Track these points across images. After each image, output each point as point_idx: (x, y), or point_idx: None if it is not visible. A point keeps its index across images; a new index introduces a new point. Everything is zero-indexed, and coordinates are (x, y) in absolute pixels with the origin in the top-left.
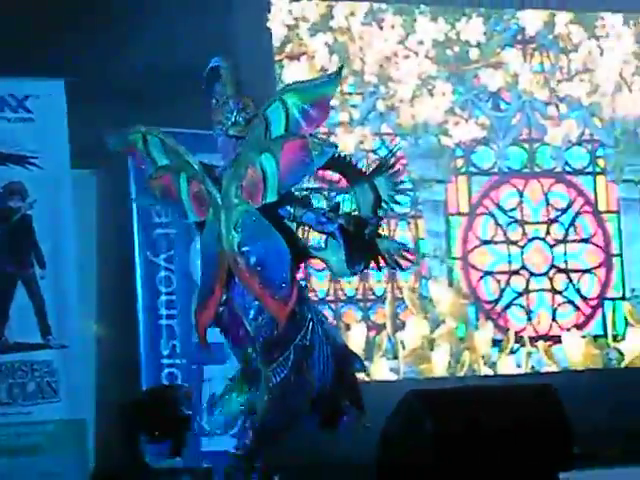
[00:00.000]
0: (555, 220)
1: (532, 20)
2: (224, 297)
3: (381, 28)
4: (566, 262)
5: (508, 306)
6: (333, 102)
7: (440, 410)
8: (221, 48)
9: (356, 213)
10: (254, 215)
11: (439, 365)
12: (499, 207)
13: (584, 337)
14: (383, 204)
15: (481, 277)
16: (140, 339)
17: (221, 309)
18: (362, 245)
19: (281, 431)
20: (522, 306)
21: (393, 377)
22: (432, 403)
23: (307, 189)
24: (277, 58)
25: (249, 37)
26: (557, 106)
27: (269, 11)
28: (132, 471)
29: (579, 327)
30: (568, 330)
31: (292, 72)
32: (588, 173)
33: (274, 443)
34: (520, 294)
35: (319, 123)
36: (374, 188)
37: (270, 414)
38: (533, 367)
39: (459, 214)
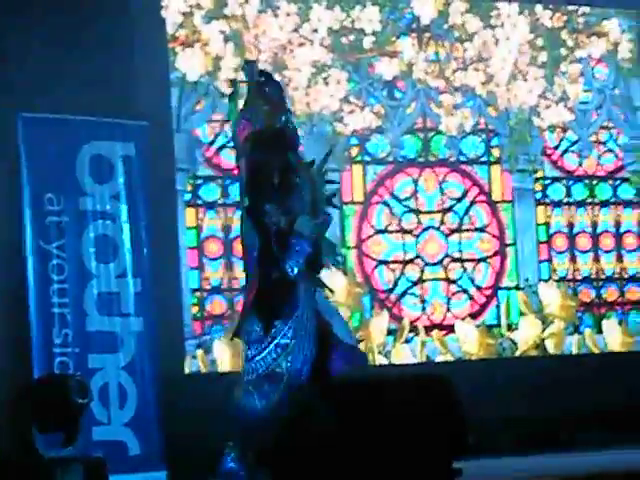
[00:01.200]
0: (450, 209)
1: (427, 9)
2: None
3: (276, 16)
4: (460, 251)
5: (403, 295)
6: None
7: (334, 400)
8: (115, 36)
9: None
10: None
11: None
12: (394, 196)
13: (478, 327)
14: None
15: (375, 266)
16: (32, 327)
17: None
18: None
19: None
20: (417, 295)
21: None
22: (326, 392)
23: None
24: (171, 45)
25: (143, 25)
26: (452, 95)
27: None
28: (23, 460)
29: (473, 316)
30: (462, 319)
31: (185, 59)
32: (483, 163)
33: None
34: (415, 283)
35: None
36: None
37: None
38: (428, 356)
39: (353, 203)
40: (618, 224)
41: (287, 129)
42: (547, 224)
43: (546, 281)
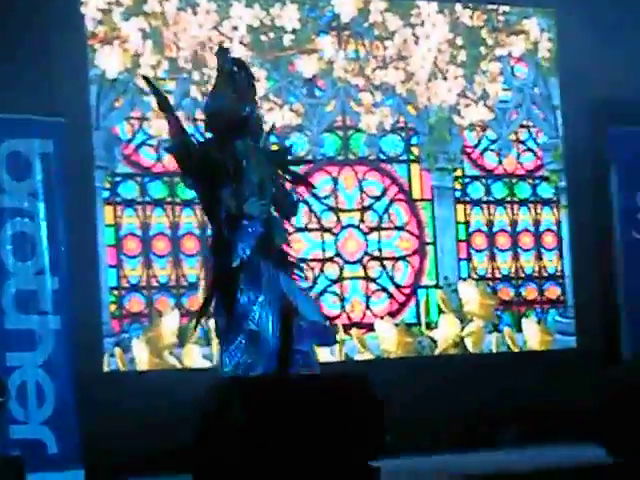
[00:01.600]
0: (369, 208)
1: (347, 7)
2: None
3: (195, 13)
4: (380, 250)
5: (322, 293)
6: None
7: (253, 397)
8: (33, 33)
9: None
10: None
11: None
12: (313, 194)
13: (397, 325)
14: None
15: None
16: None
17: None
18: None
19: None
20: (336, 293)
21: (206, 364)
22: (245, 390)
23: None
24: (90, 42)
25: (62, 21)
26: (372, 93)
27: None
28: None
29: (393, 315)
30: (382, 318)
31: (104, 57)
32: (402, 161)
33: None
34: (334, 281)
35: None
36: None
37: None
38: (347, 355)
39: None
40: (537, 223)
41: (250, 118)
42: (466, 223)
43: (465, 279)
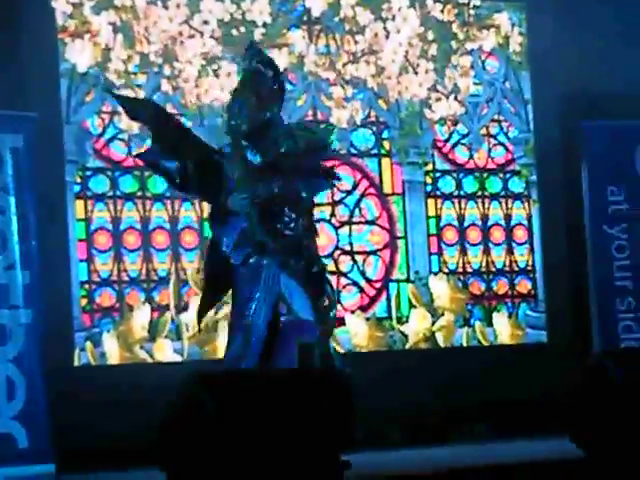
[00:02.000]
0: (340, 202)
1: (318, 1)
2: None
3: (166, 7)
4: (351, 244)
5: None
6: (118, 82)
7: (223, 392)
8: (3, 26)
9: None
10: None
11: (223, 347)
12: None
13: (368, 319)
14: None
15: None
16: None
17: None
18: None
19: None
20: None
21: (178, 358)
22: (215, 385)
23: None
24: (60, 36)
25: (31, 15)
26: (343, 87)
27: None
28: None
29: (363, 309)
30: (352, 312)
31: (75, 50)
32: (373, 155)
33: None
34: None
35: None
36: None
37: None
38: None
39: None
40: (508, 217)
41: (270, 123)
42: (438, 217)
43: (436, 274)
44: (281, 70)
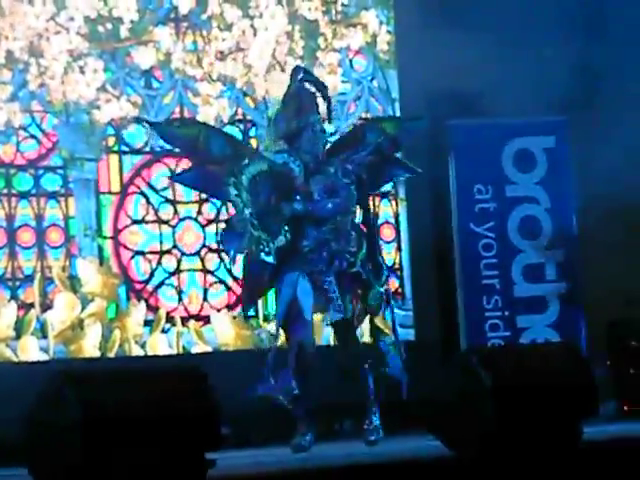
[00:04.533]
0: (207, 200)
1: None
2: None
3: (32, 4)
4: (218, 242)
5: (159, 286)
6: None
7: (90, 392)
8: None
9: None
10: None
11: (89, 345)
12: (150, 186)
13: (235, 318)
14: None
15: (132, 257)
16: None
17: None
18: None
19: None
20: (173, 286)
21: (43, 357)
22: (82, 384)
23: None
24: None
25: None
26: (210, 85)
27: None
28: None
29: (230, 307)
30: (219, 310)
31: None
32: None
33: None
34: (171, 274)
35: None
36: None
37: None
38: (184, 347)
39: (110, 193)
40: (375, 215)
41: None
42: None
43: None
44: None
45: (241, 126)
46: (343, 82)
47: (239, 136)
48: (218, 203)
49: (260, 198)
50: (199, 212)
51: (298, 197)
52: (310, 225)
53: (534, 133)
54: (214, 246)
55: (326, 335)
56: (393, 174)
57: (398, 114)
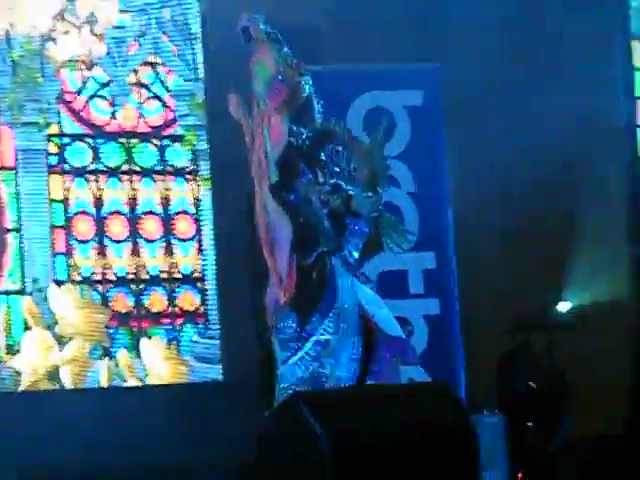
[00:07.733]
0: None
1: None
2: None
3: None
4: None
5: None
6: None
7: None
8: None
9: None
10: None
11: None
12: None
13: None
14: None
15: None
16: None
17: None
18: None
19: None
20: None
21: None
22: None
23: None
24: None
25: None
26: None
27: None
28: None
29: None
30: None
31: None
32: None
33: None
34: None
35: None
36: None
37: None
38: None
39: None
40: (167, 201)
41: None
42: (65, 201)
43: (62, 283)
44: None
45: None
46: (121, 12)
47: None
48: None
49: None
50: None
51: None
52: None
53: (393, 86)
54: None
55: None
56: None
57: (201, 58)
